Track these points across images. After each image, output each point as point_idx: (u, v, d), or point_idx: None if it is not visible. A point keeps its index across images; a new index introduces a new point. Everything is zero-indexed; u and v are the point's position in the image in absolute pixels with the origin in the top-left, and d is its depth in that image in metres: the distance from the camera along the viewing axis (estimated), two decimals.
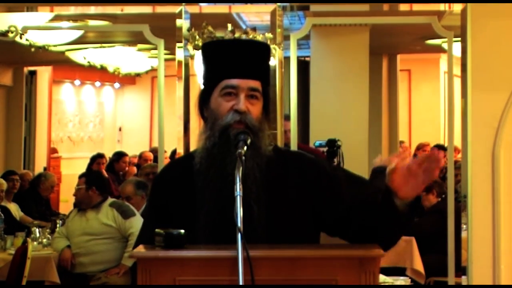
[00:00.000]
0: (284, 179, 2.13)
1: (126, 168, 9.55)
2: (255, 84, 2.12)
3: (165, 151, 5.75)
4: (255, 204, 2.03)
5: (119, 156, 9.58)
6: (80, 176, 5.85)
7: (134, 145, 12.00)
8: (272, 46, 4.66)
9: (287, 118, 5.13)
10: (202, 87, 2.20)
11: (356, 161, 6.04)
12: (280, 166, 2.14)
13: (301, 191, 2.12)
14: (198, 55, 4.60)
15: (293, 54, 4.67)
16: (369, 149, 7.20)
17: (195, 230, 2.02)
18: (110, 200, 5.70)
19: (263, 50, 2.20)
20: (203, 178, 2.07)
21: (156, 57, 6.05)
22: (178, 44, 4.74)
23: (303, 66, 7.89)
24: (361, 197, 2.11)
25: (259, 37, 4.61)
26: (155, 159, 8.27)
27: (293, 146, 4.70)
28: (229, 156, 2.00)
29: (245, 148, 2.00)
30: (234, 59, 2.11)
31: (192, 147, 4.80)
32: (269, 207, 2.06)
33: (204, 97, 2.16)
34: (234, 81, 2.09)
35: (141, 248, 1.95)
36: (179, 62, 4.74)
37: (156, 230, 1.95)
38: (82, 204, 5.63)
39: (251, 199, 2.02)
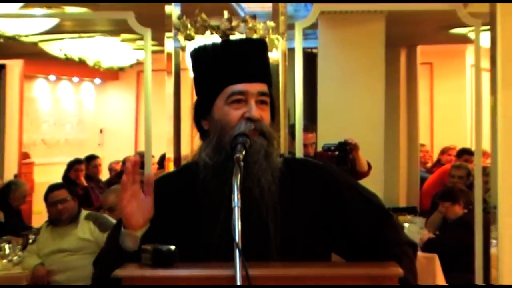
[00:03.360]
0: (294, 193, 2.14)
1: (99, 173, 9.60)
2: (263, 87, 2.13)
3: (153, 156, 5.76)
4: (272, 224, 2.05)
5: (88, 160, 9.61)
6: (55, 188, 5.78)
7: (118, 149, 12.01)
8: (274, 36, 4.67)
9: (307, 129, 5.10)
10: (197, 96, 2.21)
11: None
12: (289, 178, 2.15)
13: (311, 205, 2.15)
14: (190, 46, 4.60)
15: (298, 45, 4.68)
16: (385, 154, 7.21)
17: (200, 252, 2.04)
18: (84, 212, 5.71)
19: (262, 48, 2.21)
20: (215, 197, 2.08)
21: (142, 49, 6.05)
22: (167, 34, 4.75)
23: (310, 59, 7.90)
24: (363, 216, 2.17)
25: (260, 26, 4.62)
26: (142, 165, 8.24)
27: (298, 151, 4.71)
28: (244, 169, 1.96)
29: (244, 152, 2.01)
30: (237, 62, 2.12)
31: (184, 151, 4.81)
32: (284, 226, 2.08)
33: (203, 108, 2.16)
34: (241, 86, 2.10)
35: (126, 266, 1.95)
36: (169, 55, 4.75)
37: (143, 246, 1.95)
38: (67, 219, 5.62)
39: (268, 217, 2.04)
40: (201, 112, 2.17)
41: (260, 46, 2.21)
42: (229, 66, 2.12)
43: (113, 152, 11.70)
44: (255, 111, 2.09)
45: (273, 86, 2.21)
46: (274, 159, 2.12)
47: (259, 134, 2.09)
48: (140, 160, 2.12)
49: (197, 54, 2.21)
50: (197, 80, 2.21)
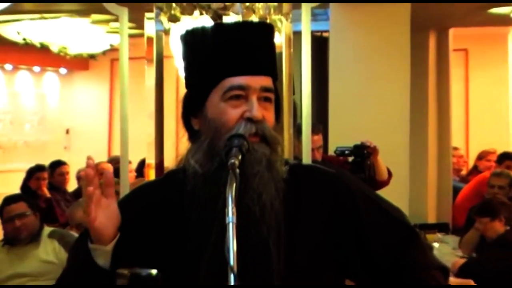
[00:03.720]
0: (301, 208, 2.16)
1: (65, 182, 9.60)
2: (267, 81, 2.14)
3: (130, 162, 5.76)
4: (274, 247, 2.05)
5: (52, 167, 9.59)
6: (12, 201, 5.77)
7: (88, 154, 11.95)
8: (277, 17, 4.68)
9: (312, 130, 5.11)
10: (187, 89, 2.21)
11: (393, 175, 6.06)
12: (296, 190, 2.17)
13: (321, 221, 2.16)
14: (176, 30, 4.61)
15: (306, 28, 4.69)
16: (410, 160, 7.21)
17: (187, 276, 2.07)
18: (47, 229, 5.71)
19: (268, 34, 2.22)
20: (206, 212, 2.08)
21: (117, 33, 6.07)
22: (147, 15, 4.75)
23: (320, 45, 7.91)
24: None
25: (259, 5, 4.63)
26: (116, 173, 8.23)
27: (306, 156, 4.71)
28: (242, 183, 1.97)
29: (240, 157, 2.01)
30: (238, 50, 2.12)
31: (167, 155, 4.81)
32: (288, 249, 2.10)
33: (195, 103, 2.17)
34: (242, 80, 2.11)
35: None
36: (149, 39, 4.75)
37: (118, 270, 1.95)
38: (27, 238, 5.62)
39: (269, 238, 2.05)
40: (192, 109, 2.18)
41: (266, 32, 2.22)
42: (228, 55, 2.13)
43: (82, 157, 11.64)
44: (257, 111, 2.10)
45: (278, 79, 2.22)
46: (278, 168, 2.13)
47: (261, 140, 2.10)
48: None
49: (189, 38, 2.22)
50: (188, 70, 2.21)
